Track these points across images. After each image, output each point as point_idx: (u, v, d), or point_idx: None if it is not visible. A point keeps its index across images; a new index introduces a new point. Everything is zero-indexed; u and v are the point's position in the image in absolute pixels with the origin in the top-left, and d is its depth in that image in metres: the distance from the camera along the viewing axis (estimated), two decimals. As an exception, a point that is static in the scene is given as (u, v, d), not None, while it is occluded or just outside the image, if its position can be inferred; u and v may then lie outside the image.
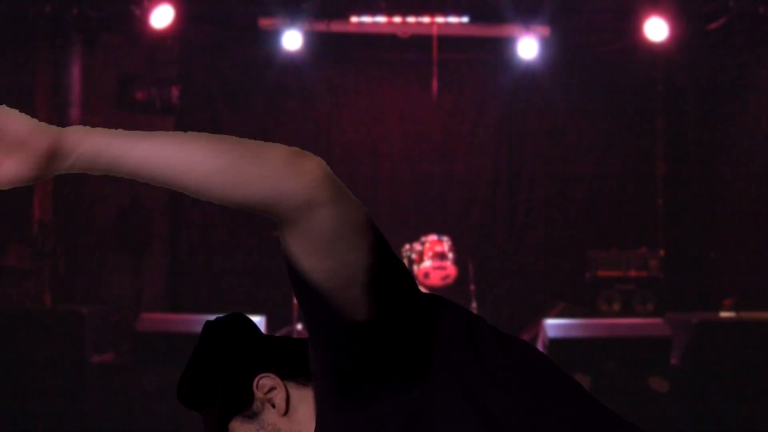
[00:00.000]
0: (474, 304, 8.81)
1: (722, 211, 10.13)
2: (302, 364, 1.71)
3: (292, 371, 1.72)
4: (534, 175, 10.72)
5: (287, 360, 1.74)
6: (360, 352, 1.46)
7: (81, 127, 1.47)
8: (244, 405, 1.73)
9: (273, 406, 1.71)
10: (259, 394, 1.72)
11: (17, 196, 9.21)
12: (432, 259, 8.78)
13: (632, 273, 9.48)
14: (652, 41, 9.44)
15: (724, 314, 8.45)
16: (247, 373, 1.74)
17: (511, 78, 10.26)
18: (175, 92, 10.19)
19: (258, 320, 7.82)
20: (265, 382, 1.72)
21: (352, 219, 1.44)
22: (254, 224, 10.29)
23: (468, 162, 10.64)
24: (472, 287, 8.95)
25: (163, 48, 9.90)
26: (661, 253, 9.69)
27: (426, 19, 9.76)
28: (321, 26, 9.76)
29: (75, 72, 9.58)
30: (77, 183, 9.64)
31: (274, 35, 9.78)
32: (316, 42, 9.92)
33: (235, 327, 1.79)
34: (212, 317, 1.82)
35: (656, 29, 9.33)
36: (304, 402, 1.71)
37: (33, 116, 1.44)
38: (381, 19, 9.74)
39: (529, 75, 10.17)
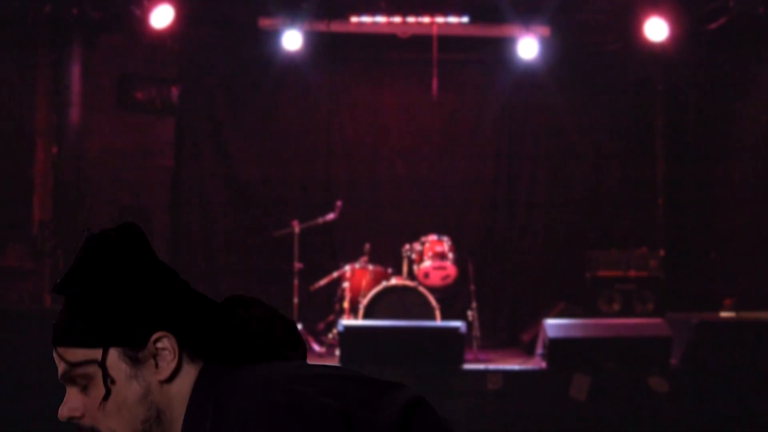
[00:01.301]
0: (474, 304, 8.81)
1: (722, 211, 10.13)
2: (202, 335, 1.64)
3: (191, 341, 1.63)
4: (534, 174, 10.72)
5: (192, 327, 1.64)
6: None
7: None
8: (133, 345, 1.60)
9: (156, 366, 1.61)
10: (151, 346, 1.61)
11: (17, 196, 9.23)
12: (432, 259, 8.78)
13: (632, 273, 9.48)
14: (652, 41, 9.44)
15: (724, 314, 8.45)
16: (153, 318, 1.62)
17: (511, 78, 10.26)
18: (175, 92, 10.19)
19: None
20: (164, 342, 1.62)
21: None
22: (254, 225, 10.29)
23: (468, 162, 10.63)
24: (472, 287, 8.95)
25: (163, 48, 9.90)
26: (661, 253, 9.69)
27: (426, 19, 9.76)
28: (321, 26, 9.76)
29: (75, 72, 9.58)
30: (77, 183, 9.64)
31: (274, 35, 9.78)
32: (316, 42, 9.92)
33: (157, 263, 1.67)
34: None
35: (656, 29, 9.33)
36: (184, 380, 1.62)
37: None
38: (381, 19, 9.74)
39: (529, 75, 10.17)
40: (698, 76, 10.14)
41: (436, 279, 8.74)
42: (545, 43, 9.78)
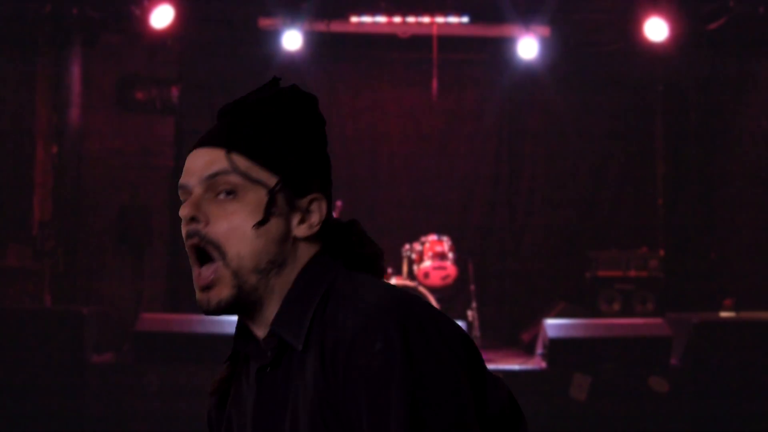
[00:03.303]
0: (474, 304, 8.81)
1: (722, 211, 10.13)
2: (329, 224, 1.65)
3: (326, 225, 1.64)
4: (534, 174, 10.72)
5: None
6: None
7: None
8: (296, 192, 1.60)
9: (300, 222, 1.60)
10: (306, 202, 1.61)
11: (17, 196, 9.23)
12: (432, 259, 8.78)
13: (632, 273, 9.47)
14: (652, 41, 9.43)
15: (724, 314, 8.45)
16: (319, 179, 1.64)
17: (511, 78, 10.25)
18: (175, 92, 10.18)
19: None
20: (317, 205, 1.62)
21: None
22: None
23: (468, 162, 10.63)
24: (472, 287, 8.95)
25: (163, 48, 9.89)
26: (661, 253, 9.69)
27: (426, 19, 9.75)
28: (321, 26, 9.76)
29: (75, 72, 9.58)
30: (77, 183, 9.65)
31: (274, 35, 9.78)
32: (316, 42, 9.91)
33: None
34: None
35: (656, 29, 9.33)
36: (309, 250, 1.61)
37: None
38: (381, 19, 9.74)
39: (529, 75, 10.16)
40: (698, 76, 10.14)
41: (436, 279, 8.74)
42: (545, 43, 9.77)
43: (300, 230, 1.59)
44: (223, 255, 1.55)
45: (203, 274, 1.56)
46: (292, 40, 9.63)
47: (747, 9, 9.01)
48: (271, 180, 1.58)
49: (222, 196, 1.56)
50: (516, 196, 10.73)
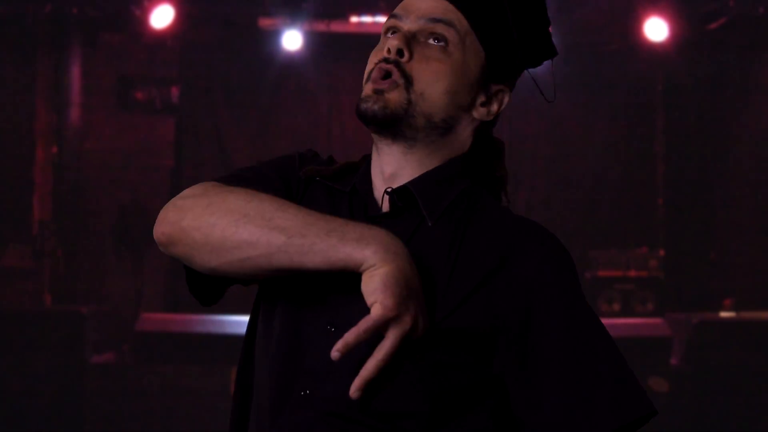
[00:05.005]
0: (474, 304, 8.79)
1: (722, 211, 10.13)
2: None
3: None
4: (533, 175, 10.71)
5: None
6: None
7: None
8: (494, 76, 1.68)
9: (484, 104, 1.66)
10: (495, 88, 1.69)
11: (17, 196, 9.23)
12: (432, 259, 8.77)
13: (632, 273, 9.47)
14: (652, 41, 9.43)
15: (724, 314, 8.45)
16: (513, 78, 1.75)
17: (511, 78, 10.24)
18: (175, 92, 10.18)
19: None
20: (502, 97, 1.70)
21: None
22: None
23: (468, 162, 10.63)
24: (472, 287, 8.93)
25: (163, 48, 9.89)
26: (661, 253, 9.69)
27: (426, 19, 9.75)
28: (321, 26, 9.75)
29: (75, 72, 9.59)
30: (77, 183, 9.65)
31: (274, 35, 9.78)
32: (316, 42, 9.91)
33: None
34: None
35: (656, 29, 9.33)
36: (466, 139, 1.65)
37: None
38: (381, 19, 9.73)
39: (528, 75, 10.14)
40: (698, 76, 10.14)
41: (436, 279, 8.73)
42: (545, 43, 9.76)
43: (478, 111, 1.66)
44: (409, 84, 1.59)
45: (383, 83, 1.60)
46: (292, 40, 9.63)
47: (747, 9, 9.01)
48: (479, 54, 1.62)
49: (433, 41, 1.59)
50: (515, 196, 10.71)
